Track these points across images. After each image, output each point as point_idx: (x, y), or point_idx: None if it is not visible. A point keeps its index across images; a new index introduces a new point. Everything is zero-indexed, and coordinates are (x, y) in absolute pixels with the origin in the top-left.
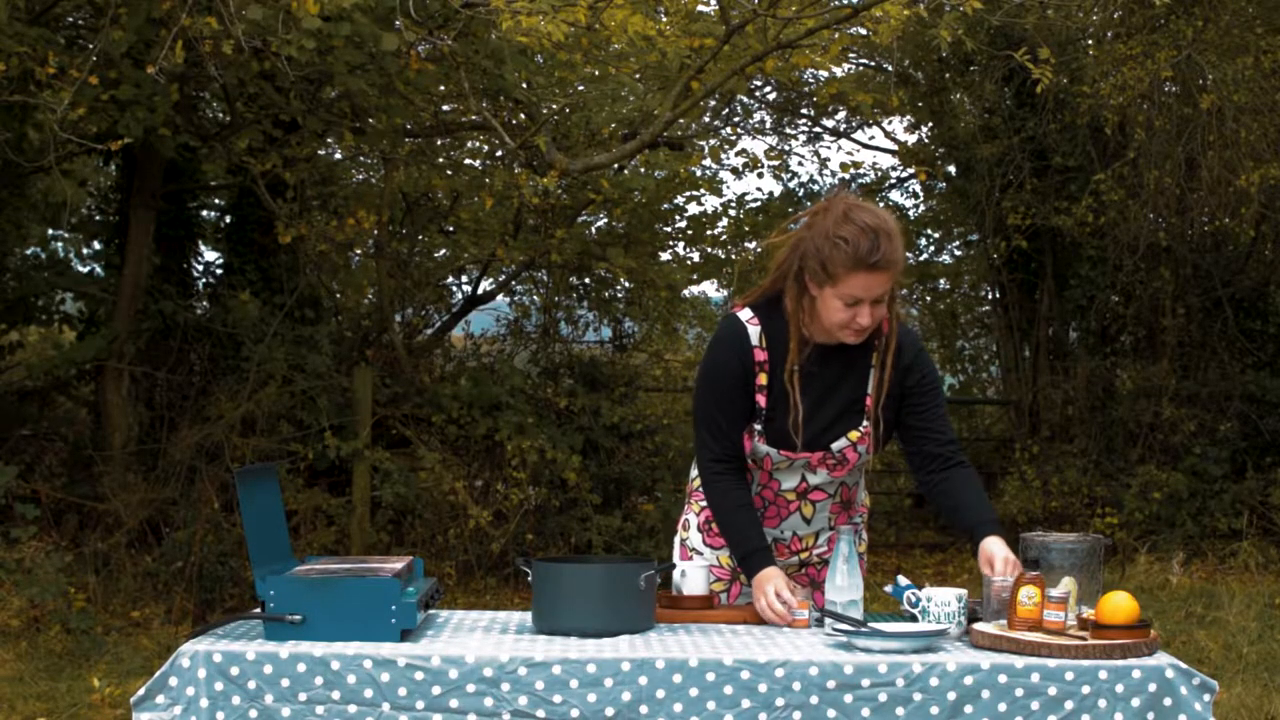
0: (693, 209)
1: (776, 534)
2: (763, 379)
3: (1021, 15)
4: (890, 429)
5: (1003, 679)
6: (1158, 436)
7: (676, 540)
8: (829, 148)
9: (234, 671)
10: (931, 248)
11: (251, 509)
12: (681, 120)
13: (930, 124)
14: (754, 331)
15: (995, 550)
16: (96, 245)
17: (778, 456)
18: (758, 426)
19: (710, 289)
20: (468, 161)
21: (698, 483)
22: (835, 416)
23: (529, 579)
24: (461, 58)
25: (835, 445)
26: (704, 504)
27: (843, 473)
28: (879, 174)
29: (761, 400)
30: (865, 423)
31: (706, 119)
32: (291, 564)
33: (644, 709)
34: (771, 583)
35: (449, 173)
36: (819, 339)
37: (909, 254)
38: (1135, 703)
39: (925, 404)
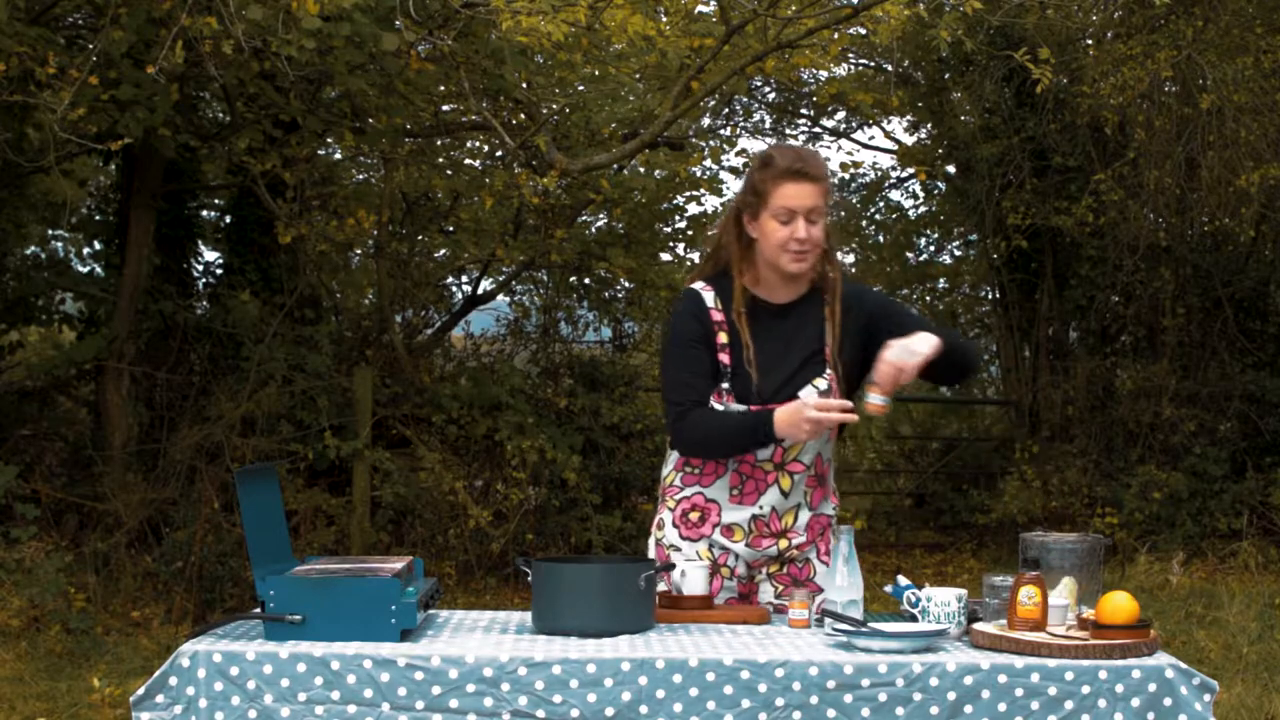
0: (693, 209)
1: (755, 510)
2: (722, 337)
3: (1021, 15)
4: (864, 369)
5: (1002, 679)
6: (1158, 436)
7: (651, 542)
8: (829, 148)
9: (234, 671)
10: (931, 248)
11: (251, 509)
12: (681, 120)
13: (930, 124)
14: (709, 296)
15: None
16: (96, 245)
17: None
18: (725, 385)
19: None
20: (468, 161)
21: (670, 479)
22: (798, 366)
23: (529, 579)
24: (461, 58)
25: (801, 393)
26: (680, 496)
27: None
28: (879, 174)
29: (725, 359)
30: (828, 370)
31: (706, 119)
32: (291, 564)
33: (644, 709)
34: (799, 402)
35: (449, 173)
36: (765, 293)
37: (908, 254)
38: (1135, 703)
39: (893, 324)
